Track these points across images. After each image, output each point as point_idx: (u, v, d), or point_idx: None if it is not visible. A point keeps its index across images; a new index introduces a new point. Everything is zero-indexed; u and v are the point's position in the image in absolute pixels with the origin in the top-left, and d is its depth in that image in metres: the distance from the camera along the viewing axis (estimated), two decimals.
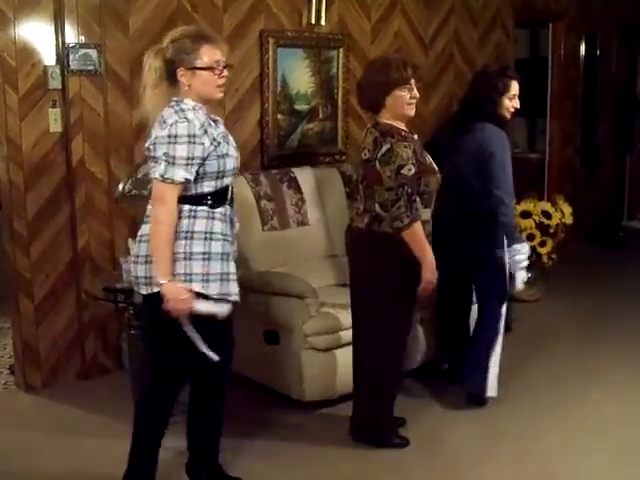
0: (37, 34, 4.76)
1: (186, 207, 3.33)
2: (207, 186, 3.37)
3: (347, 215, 5.61)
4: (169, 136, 3.24)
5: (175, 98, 3.35)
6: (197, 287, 3.32)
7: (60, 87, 4.86)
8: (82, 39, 4.86)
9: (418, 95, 4.05)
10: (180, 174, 3.24)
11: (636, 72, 10.39)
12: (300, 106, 5.97)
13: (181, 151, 3.23)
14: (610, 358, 5.58)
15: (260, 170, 5.65)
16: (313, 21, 5.92)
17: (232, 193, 3.55)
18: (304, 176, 5.56)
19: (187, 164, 3.25)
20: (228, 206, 3.50)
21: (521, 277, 4.65)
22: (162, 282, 3.25)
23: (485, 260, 4.69)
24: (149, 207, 3.41)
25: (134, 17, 5.07)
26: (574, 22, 8.69)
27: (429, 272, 3.99)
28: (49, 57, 4.83)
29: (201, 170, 3.32)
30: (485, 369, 4.72)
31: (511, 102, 4.66)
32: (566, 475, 4.04)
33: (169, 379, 3.55)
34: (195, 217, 3.35)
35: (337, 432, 4.44)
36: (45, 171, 4.90)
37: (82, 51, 4.86)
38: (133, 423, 3.59)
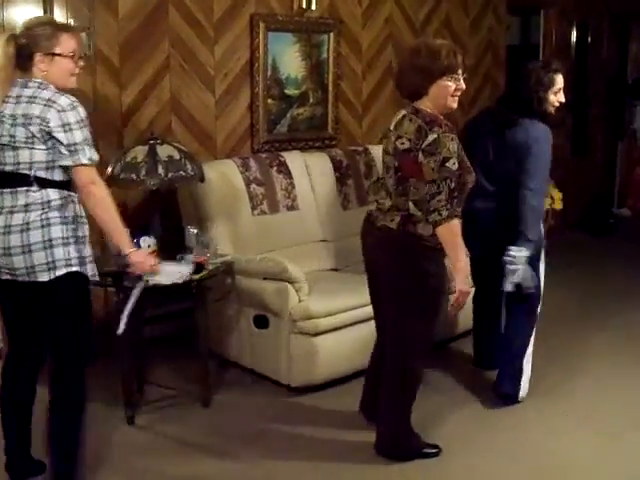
0: (26, 17, 4.71)
1: (65, 192, 3.36)
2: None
3: (337, 200, 5.65)
4: (78, 121, 3.28)
5: (35, 79, 3.33)
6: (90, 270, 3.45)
7: None
8: (71, 22, 4.82)
9: (464, 87, 3.75)
10: (96, 154, 3.36)
11: (627, 59, 10.38)
12: (290, 91, 5.95)
13: (88, 133, 3.33)
14: (600, 341, 5.61)
15: (250, 154, 5.63)
16: (304, 5, 5.89)
17: None
18: (294, 161, 5.55)
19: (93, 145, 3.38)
20: None
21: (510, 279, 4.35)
22: (130, 251, 3.50)
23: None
24: (36, 195, 3.29)
25: (124, 0, 5.04)
26: (565, 9, 8.67)
27: (462, 278, 3.70)
28: None
29: None
30: (520, 372, 4.64)
31: (556, 97, 4.47)
32: (560, 455, 4.06)
33: (86, 358, 3.54)
34: (75, 202, 3.39)
35: (325, 418, 4.45)
36: None
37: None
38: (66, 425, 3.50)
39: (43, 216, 3.27)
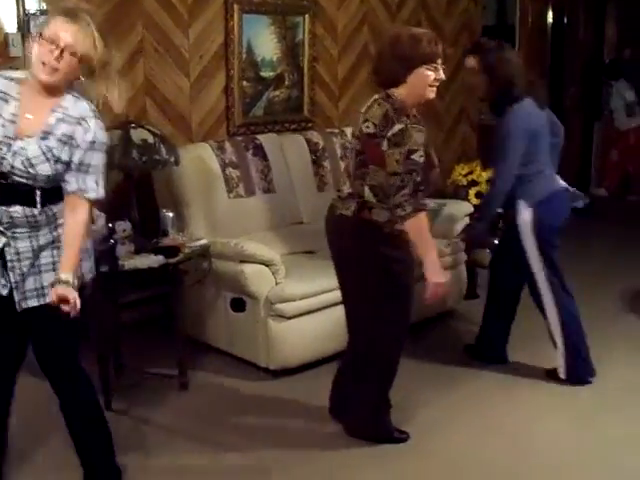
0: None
1: None
2: None
3: (313, 182, 5.64)
4: None
5: None
6: None
7: (21, 55, 4.78)
8: (43, 6, 4.79)
9: (444, 77, 3.67)
10: None
11: (603, 39, 10.41)
12: (266, 73, 5.92)
13: None
14: None
15: (225, 137, 5.61)
16: None
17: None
18: (270, 143, 5.54)
19: None
20: None
21: None
22: None
23: None
24: None
25: None
26: None
27: (433, 272, 3.64)
28: (10, 24, 4.74)
29: None
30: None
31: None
32: (531, 432, 4.09)
33: None
34: None
35: (304, 400, 4.45)
36: None
37: (43, 18, 4.77)
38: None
39: None
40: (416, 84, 3.61)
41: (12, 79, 3.08)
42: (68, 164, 3.07)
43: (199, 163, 5.07)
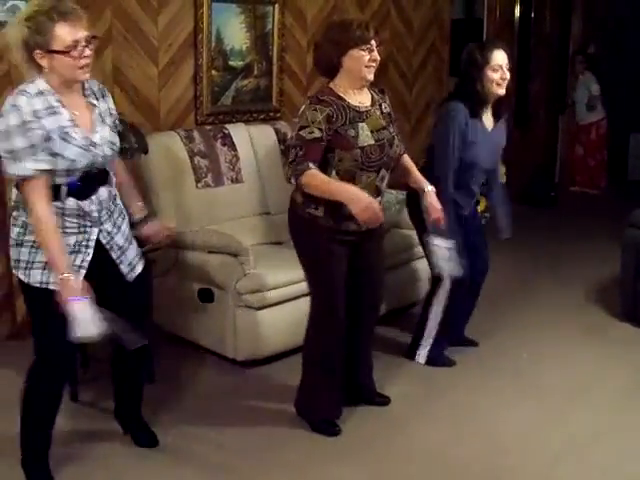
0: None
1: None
2: None
3: (281, 172, 5.62)
4: (3, 131, 3.05)
5: (30, 79, 3.15)
6: (21, 275, 3.28)
7: None
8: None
9: (379, 57, 3.78)
10: (29, 166, 3.07)
11: (569, 34, 10.49)
12: (235, 62, 5.89)
13: (20, 142, 3.03)
14: (542, 312, 5.69)
15: (194, 127, 5.58)
16: None
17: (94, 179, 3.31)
18: (238, 133, 5.50)
19: (34, 153, 3.06)
20: (71, 198, 3.22)
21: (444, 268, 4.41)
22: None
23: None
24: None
25: None
26: None
27: (351, 202, 3.61)
28: None
29: None
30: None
31: (496, 73, 4.39)
32: (502, 428, 4.11)
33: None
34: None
35: (270, 391, 4.45)
36: None
37: (10, 3, 4.72)
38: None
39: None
40: (352, 66, 3.76)
41: (41, 93, 3.12)
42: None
43: (167, 152, 5.04)
